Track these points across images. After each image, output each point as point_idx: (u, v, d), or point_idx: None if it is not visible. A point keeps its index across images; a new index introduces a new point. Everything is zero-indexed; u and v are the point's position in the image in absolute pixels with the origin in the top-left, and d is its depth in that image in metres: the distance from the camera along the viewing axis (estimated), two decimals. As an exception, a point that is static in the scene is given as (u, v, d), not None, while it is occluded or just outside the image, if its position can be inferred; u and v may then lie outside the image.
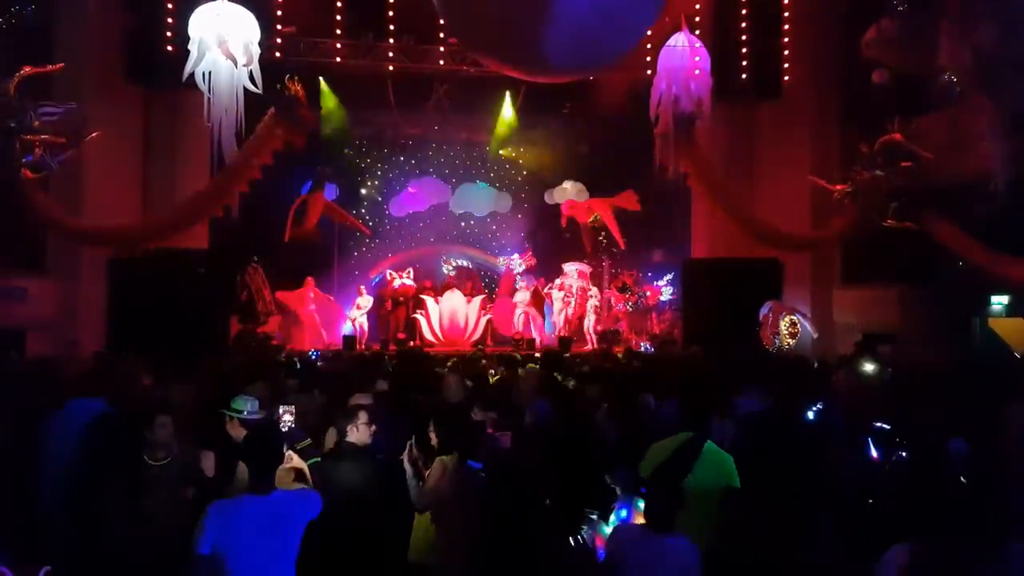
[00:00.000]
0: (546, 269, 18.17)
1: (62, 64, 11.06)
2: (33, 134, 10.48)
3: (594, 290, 16.86)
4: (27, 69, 10.42)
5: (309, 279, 15.92)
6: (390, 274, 16.97)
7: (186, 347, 9.91)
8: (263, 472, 3.33)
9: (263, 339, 14.29)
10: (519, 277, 17.69)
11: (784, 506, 4.13)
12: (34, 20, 12.40)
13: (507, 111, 16.57)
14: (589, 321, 16.50)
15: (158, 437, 4.47)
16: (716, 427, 5.09)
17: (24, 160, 10.52)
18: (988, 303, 12.66)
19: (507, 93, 16.06)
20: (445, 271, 18.70)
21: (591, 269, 17.35)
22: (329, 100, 15.50)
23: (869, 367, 8.10)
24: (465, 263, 19.02)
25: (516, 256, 18.22)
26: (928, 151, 11.71)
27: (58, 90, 11.60)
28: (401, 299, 16.75)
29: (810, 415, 5.78)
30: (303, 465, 4.10)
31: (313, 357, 12.26)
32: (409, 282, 16.80)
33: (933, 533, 2.91)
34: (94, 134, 11.42)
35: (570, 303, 16.61)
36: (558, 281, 16.87)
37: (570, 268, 16.99)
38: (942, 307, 12.76)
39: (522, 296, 16.88)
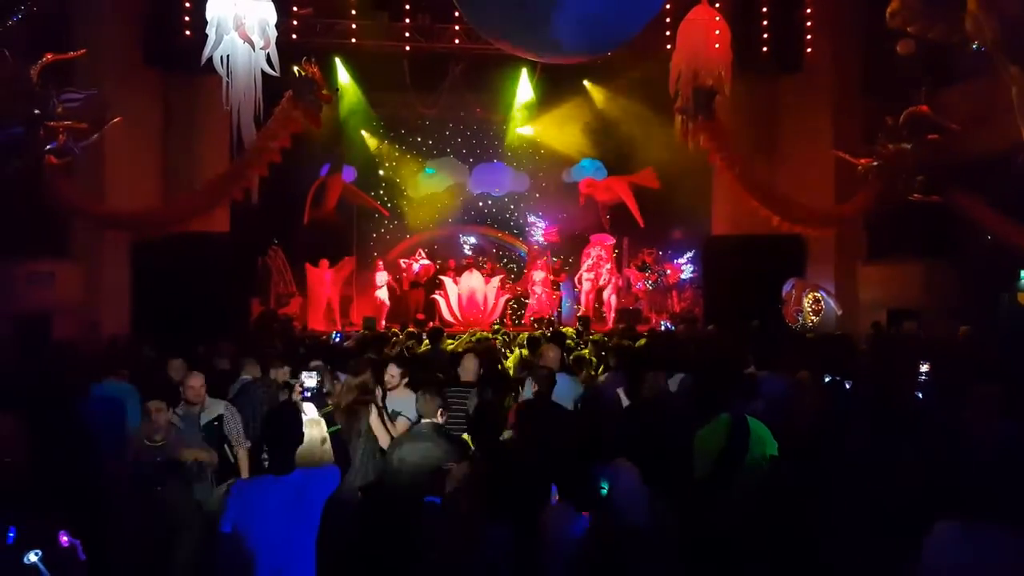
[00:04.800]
0: (567, 248, 18.16)
1: (84, 50, 11.12)
2: (56, 120, 10.57)
3: (603, 252, 16.76)
4: (49, 56, 10.49)
5: (323, 262, 15.99)
6: (404, 262, 16.98)
7: (208, 329, 10.02)
8: (282, 452, 3.36)
9: (284, 321, 14.41)
10: (540, 255, 17.60)
11: (804, 480, 4.10)
12: (53, 7, 12.44)
13: (525, 91, 16.56)
14: (610, 300, 16.48)
15: (155, 421, 4.67)
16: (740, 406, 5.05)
17: (48, 146, 10.63)
18: (1016, 278, 12.45)
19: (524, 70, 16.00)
20: (466, 251, 18.64)
21: (612, 242, 17.25)
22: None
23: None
24: (475, 241, 18.92)
25: (540, 231, 18.18)
26: (955, 123, 11.49)
27: (79, 76, 11.67)
28: (423, 281, 16.83)
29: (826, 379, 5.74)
30: (322, 425, 4.17)
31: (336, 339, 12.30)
32: (427, 262, 16.85)
33: (972, 511, 2.79)
34: (115, 120, 11.51)
35: (600, 276, 16.54)
36: (588, 262, 16.78)
37: (597, 239, 16.92)
38: (969, 282, 12.58)
39: (539, 275, 16.87)
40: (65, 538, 2.60)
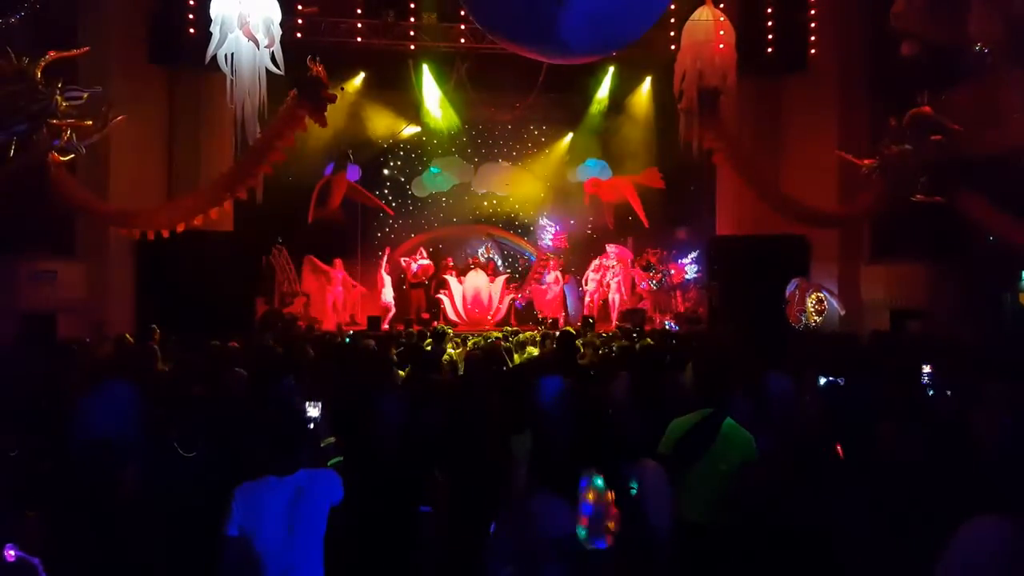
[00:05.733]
0: (572, 248, 18.16)
1: (87, 47, 11.13)
2: (60, 118, 10.58)
3: (618, 267, 16.82)
4: (52, 53, 10.49)
5: (338, 261, 15.98)
6: (404, 261, 16.98)
7: (213, 328, 10.03)
8: (286, 452, 3.37)
9: (289, 320, 14.42)
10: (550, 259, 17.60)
11: (807, 480, 4.10)
12: (58, 4, 12.49)
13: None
14: (614, 300, 16.49)
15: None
16: (740, 405, 5.05)
17: (52, 144, 10.64)
18: (1019, 278, 12.44)
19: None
20: (472, 253, 18.59)
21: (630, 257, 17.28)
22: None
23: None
24: (483, 252, 18.81)
25: (548, 236, 18.21)
26: (958, 124, 11.47)
27: (83, 74, 11.69)
28: (425, 280, 16.82)
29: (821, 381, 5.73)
30: None
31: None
32: (426, 262, 16.82)
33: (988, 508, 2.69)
34: (120, 118, 11.52)
35: (605, 283, 16.60)
36: (595, 263, 16.83)
37: (611, 249, 16.96)
38: (972, 283, 12.57)
39: (549, 277, 16.93)
40: (11, 552, 2.43)
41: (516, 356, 8.69)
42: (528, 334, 10.79)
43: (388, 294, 16.19)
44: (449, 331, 10.69)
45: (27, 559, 2.46)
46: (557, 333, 8.63)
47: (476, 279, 16.58)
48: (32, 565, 2.48)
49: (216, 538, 3.19)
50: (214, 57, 11.10)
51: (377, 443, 4.94)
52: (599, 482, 3.23)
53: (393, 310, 16.19)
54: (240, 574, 3.17)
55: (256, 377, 5.72)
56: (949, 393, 5.52)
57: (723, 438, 4.16)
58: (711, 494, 4.02)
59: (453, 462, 4.35)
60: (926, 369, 5.94)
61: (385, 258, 16.35)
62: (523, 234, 19.00)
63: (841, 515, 3.85)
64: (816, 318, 13.69)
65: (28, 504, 3.62)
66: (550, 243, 18.11)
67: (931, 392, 5.65)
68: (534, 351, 8.63)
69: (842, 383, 5.69)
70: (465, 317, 16.25)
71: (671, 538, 3.65)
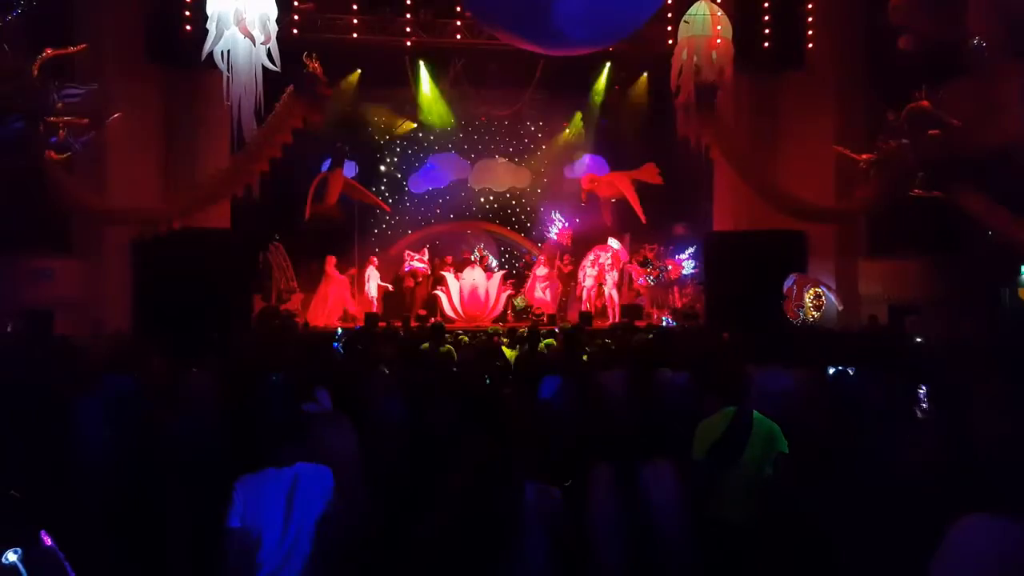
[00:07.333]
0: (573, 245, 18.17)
1: (84, 45, 11.13)
2: (56, 116, 10.58)
3: (608, 258, 16.80)
4: (49, 51, 10.50)
5: (330, 258, 15.98)
6: (408, 253, 17.00)
7: (210, 325, 10.03)
8: (285, 443, 3.36)
9: (286, 316, 14.41)
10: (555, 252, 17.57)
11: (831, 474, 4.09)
12: (55, 2, 12.45)
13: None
14: (613, 295, 16.47)
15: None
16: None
17: (48, 142, 10.63)
18: (1017, 273, 12.46)
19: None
20: (467, 249, 18.61)
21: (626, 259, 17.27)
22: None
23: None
24: (477, 252, 18.80)
25: (554, 230, 18.20)
26: (956, 119, 11.48)
27: (80, 72, 11.67)
28: (420, 278, 16.82)
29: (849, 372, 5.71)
30: None
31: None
32: (420, 264, 16.83)
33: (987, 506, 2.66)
34: (116, 115, 11.52)
35: (603, 279, 16.59)
36: (591, 256, 16.82)
37: (614, 243, 16.95)
38: (970, 278, 12.58)
39: (543, 271, 16.90)
40: (48, 539, 2.40)
41: (507, 352, 8.69)
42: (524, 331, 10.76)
43: (373, 289, 16.19)
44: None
45: (58, 552, 2.42)
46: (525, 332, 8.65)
47: (473, 276, 16.55)
48: (60, 561, 2.47)
49: (217, 530, 3.19)
50: (210, 54, 11.07)
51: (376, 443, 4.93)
52: None
53: (375, 301, 16.21)
54: (242, 565, 3.17)
55: (250, 373, 5.71)
56: (947, 390, 5.52)
57: (754, 433, 4.16)
58: (746, 490, 4.00)
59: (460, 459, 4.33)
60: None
61: (374, 262, 16.35)
62: (519, 229, 18.99)
63: (845, 515, 3.85)
64: (814, 313, 13.69)
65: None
66: (555, 237, 18.09)
67: (928, 389, 5.65)
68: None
69: (852, 372, 5.69)
70: (462, 314, 16.22)
71: (689, 539, 3.63)
